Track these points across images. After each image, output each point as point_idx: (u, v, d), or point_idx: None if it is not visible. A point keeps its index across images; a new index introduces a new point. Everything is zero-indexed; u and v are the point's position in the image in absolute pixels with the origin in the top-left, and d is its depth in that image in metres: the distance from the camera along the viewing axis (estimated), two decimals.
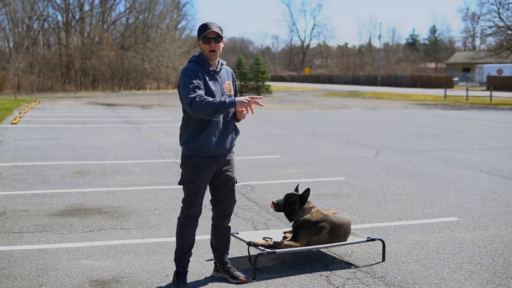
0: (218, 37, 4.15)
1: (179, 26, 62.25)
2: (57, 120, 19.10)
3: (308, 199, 4.89)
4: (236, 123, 4.40)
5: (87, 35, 50.97)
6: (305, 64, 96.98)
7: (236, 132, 4.37)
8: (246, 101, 4.02)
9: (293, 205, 4.78)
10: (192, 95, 4.00)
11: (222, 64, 4.32)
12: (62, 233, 5.69)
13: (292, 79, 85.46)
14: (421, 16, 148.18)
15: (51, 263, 4.80)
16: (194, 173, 4.20)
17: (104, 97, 37.97)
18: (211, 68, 4.22)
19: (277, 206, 4.81)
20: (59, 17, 56.03)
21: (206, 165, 4.22)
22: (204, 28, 4.14)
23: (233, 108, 4.12)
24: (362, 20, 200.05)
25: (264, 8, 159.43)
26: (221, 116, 4.19)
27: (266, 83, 44.44)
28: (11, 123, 17.52)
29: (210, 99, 4.00)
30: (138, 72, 50.07)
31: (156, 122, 18.59)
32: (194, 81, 4.06)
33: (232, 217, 6.23)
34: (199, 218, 4.37)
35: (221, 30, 4.21)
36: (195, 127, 4.17)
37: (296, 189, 4.93)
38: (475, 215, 6.55)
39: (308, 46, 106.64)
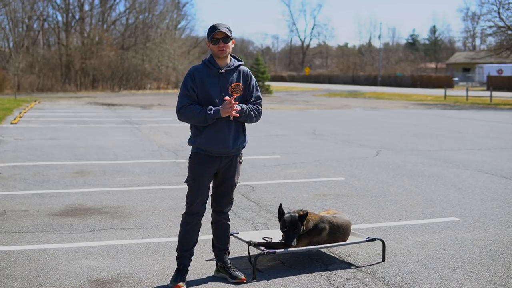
0: (226, 37, 4.18)
1: (179, 26, 62.24)
2: (57, 120, 19.09)
3: (302, 208, 4.90)
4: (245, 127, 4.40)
5: (87, 35, 50.96)
6: (305, 64, 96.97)
7: (240, 134, 4.34)
8: (229, 109, 4.12)
9: (299, 228, 4.68)
10: (181, 103, 4.20)
11: (233, 65, 4.30)
12: (62, 233, 5.69)
13: (292, 79, 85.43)
14: (421, 16, 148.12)
15: (51, 263, 4.80)
16: (195, 171, 4.30)
17: (104, 97, 37.97)
18: (217, 70, 4.23)
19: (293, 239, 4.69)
20: (59, 17, 56.02)
21: (206, 164, 4.27)
22: (212, 29, 4.19)
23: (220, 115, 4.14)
24: (362, 20, 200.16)
25: (264, 8, 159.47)
26: (220, 118, 4.19)
27: (266, 83, 44.45)
28: (11, 123, 17.51)
29: (197, 109, 4.14)
30: (138, 72, 50.04)
31: (156, 122, 18.59)
32: (188, 89, 4.21)
33: (232, 217, 6.24)
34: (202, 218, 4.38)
35: (230, 30, 4.23)
36: (197, 127, 4.28)
37: (280, 208, 4.75)
38: (475, 215, 6.55)
39: (308, 46, 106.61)
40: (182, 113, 4.20)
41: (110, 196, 7.42)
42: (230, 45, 4.24)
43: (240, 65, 4.36)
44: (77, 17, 51.60)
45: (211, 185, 4.42)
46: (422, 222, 6.22)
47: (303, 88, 60.16)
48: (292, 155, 11.30)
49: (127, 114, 22.41)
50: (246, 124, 4.42)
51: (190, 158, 4.37)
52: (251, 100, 4.36)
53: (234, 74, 4.31)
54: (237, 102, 4.23)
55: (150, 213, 6.52)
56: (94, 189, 7.81)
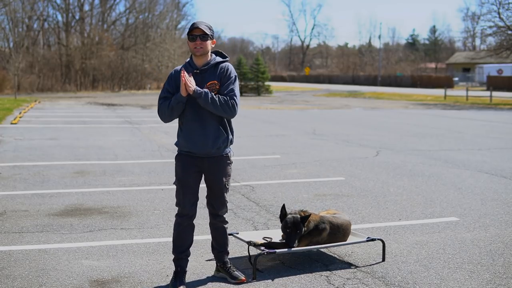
0: (204, 35, 4.10)
1: (179, 26, 62.22)
2: (57, 120, 19.10)
3: (302, 209, 4.90)
4: (230, 129, 4.27)
5: (87, 35, 50.97)
6: (305, 64, 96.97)
7: (221, 133, 4.19)
8: (185, 88, 4.08)
9: (301, 229, 4.68)
10: (158, 104, 4.26)
11: (210, 63, 4.19)
12: (62, 233, 5.69)
13: (292, 79, 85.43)
14: (421, 16, 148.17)
15: (51, 263, 4.79)
16: (179, 172, 4.30)
17: (104, 97, 37.98)
18: (192, 70, 4.18)
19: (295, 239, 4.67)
20: (59, 17, 56.01)
21: (188, 165, 4.25)
22: (191, 26, 4.15)
23: (184, 100, 4.10)
24: (362, 20, 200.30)
25: (264, 8, 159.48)
26: (197, 116, 4.15)
27: (266, 83, 44.44)
28: (11, 123, 17.52)
29: (166, 102, 4.20)
30: (138, 72, 50.04)
31: (156, 122, 18.56)
32: (165, 91, 4.24)
33: (232, 217, 6.26)
34: (200, 218, 4.37)
35: (210, 29, 4.16)
36: (179, 128, 4.31)
37: (283, 209, 4.73)
38: (475, 215, 6.55)
39: (308, 46, 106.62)
40: (158, 113, 4.26)
41: (110, 196, 7.42)
42: (209, 43, 4.15)
43: (221, 62, 4.23)
44: (77, 17, 51.62)
45: (201, 186, 4.36)
46: (422, 222, 6.22)
47: (303, 88, 60.16)
48: (292, 155, 11.30)
49: (127, 114, 22.41)
50: (233, 123, 4.32)
51: (175, 159, 4.37)
52: (224, 92, 4.16)
53: (212, 72, 4.20)
54: (189, 80, 4.07)
55: (150, 213, 6.52)
56: (94, 189, 7.81)
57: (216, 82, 4.19)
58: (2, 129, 15.81)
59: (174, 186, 4.37)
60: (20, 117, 19.70)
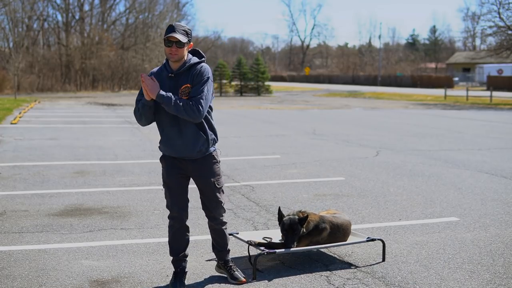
0: (179, 42, 3.99)
1: None
2: (57, 120, 19.09)
3: (301, 209, 4.90)
4: (209, 128, 4.17)
5: (87, 35, 50.98)
6: (305, 64, 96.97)
7: (199, 136, 4.09)
8: (146, 91, 4.04)
9: (299, 230, 4.67)
10: (135, 108, 4.23)
11: (185, 66, 4.08)
12: (62, 233, 5.68)
13: (292, 79, 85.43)
14: (421, 16, 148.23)
15: (51, 263, 4.79)
16: (164, 175, 4.29)
17: (104, 97, 37.97)
18: (167, 73, 4.11)
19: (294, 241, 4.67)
20: (59, 17, 56.16)
21: (171, 167, 4.22)
22: (168, 30, 4.02)
23: (150, 104, 4.06)
24: (362, 20, 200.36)
25: (264, 8, 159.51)
26: (174, 121, 4.08)
27: (266, 83, 44.44)
28: (11, 123, 17.51)
29: (137, 107, 4.17)
30: (138, 72, 49.91)
31: None
32: (140, 93, 4.19)
33: (232, 217, 6.26)
34: (200, 218, 4.37)
35: (187, 34, 4.05)
36: (159, 131, 4.27)
37: (279, 212, 4.76)
38: (475, 215, 6.54)
39: (308, 46, 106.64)
40: (135, 117, 4.21)
41: (110, 196, 7.42)
42: (185, 49, 4.04)
43: (196, 63, 4.11)
44: (77, 17, 51.64)
45: (194, 188, 4.34)
46: (422, 222, 6.22)
47: (303, 88, 60.16)
48: (292, 155, 11.30)
49: (127, 114, 22.41)
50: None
51: (160, 160, 4.35)
52: (192, 95, 4.03)
53: (185, 76, 4.10)
54: (150, 83, 4.01)
55: (150, 213, 6.52)
56: (94, 189, 7.80)
57: (188, 85, 4.08)
58: (2, 129, 15.81)
59: None
60: (20, 117, 19.70)
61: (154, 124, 4.34)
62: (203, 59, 4.19)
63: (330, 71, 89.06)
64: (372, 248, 5.24)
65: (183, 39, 4.00)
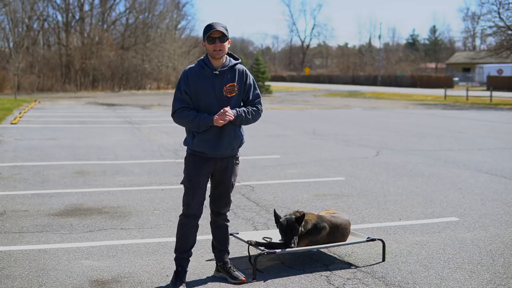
0: (223, 37, 4.10)
1: (179, 26, 62.22)
2: (57, 120, 19.09)
3: (298, 210, 4.91)
4: (243, 127, 4.35)
5: (87, 35, 50.95)
6: (305, 64, 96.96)
7: (236, 136, 4.24)
8: (222, 121, 4.06)
9: (297, 229, 4.68)
10: (175, 107, 4.19)
11: (228, 65, 4.20)
12: (62, 233, 5.69)
13: (292, 79, 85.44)
14: (421, 16, 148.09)
15: (51, 263, 4.79)
16: (190, 173, 4.27)
17: (104, 97, 37.97)
18: (211, 71, 4.16)
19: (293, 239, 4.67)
20: (59, 17, 56.08)
21: (201, 166, 4.23)
22: (208, 28, 4.11)
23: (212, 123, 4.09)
24: (362, 20, 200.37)
25: (264, 8, 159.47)
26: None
27: (266, 83, 44.45)
28: (11, 123, 17.51)
29: (191, 115, 4.11)
30: (138, 72, 50.05)
31: (156, 122, 18.57)
32: (181, 92, 4.16)
33: (232, 217, 6.25)
34: (200, 218, 4.37)
35: (226, 30, 4.15)
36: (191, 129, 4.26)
37: (275, 214, 4.76)
38: (475, 215, 6.54)
39: (308, 46, 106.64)
40: (176, 118, 4.21)
41: (110, 196, 7.42)
42: (227, 45, 4.15)
43: (236, 64, 4.25)
44: (77, 17, 51.61)
45: (208, 186, 4.38)
46: (422, 222, 6.22)
47: (303, 88, 60.15)
48: (292, 155, 11.30)
49: (127, 114, 22.41)
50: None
51: (185, 159, 4.33)
52: (250, 99, 4.29)
53: (230, 74, 4.20)
54: (229, 111, 4.09)
55: (150, 213, 6.52)
56: (94, 189, 7.80)
57: (235, 84, 4.21)
58: (2, 129, 15.81)
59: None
60: (20, 117, 19.70)
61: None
62: (239, 60, 4.32)
63: (330, 71, 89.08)
64: (372, 248, 5.24)
65: (226, 32, 4.12)
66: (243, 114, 4.20)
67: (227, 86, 4.18)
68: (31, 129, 16.13)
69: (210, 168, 4.26)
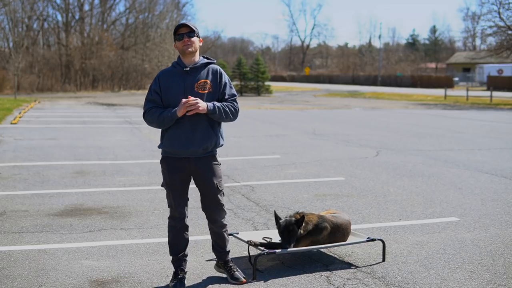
0: (190, 32, 4.11)
1: None
2: (57, 120, 19.09)
3: (299, 211, 4.90)
4: (220, 124, 4.24)
5: (87, 35, 50.95)
6: (305, 64, 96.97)
7: (211, 134, 4.15)
8: (183, 106, 4.00)
9: (295, 231, 4.67)
10: (145, 108, 4.20)
11: (199, 63, 4.17)
12: (62, 233, 5.68)
13: (292, 79, 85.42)
14: (421, 16, 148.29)
15: (51, 263, 4.79)
16: (166, 175, 4.27)
17: (104, 97, 37.97)
18: (181, 68, 4.15)
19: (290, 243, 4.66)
20: (59, 17, 56.12)
21: (174, 167, 4.20)
22: (176, 27, 4.16)
23: (177, 115, 4.04)
24: (362, 20, 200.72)
25: (264, 8, 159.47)
26: (188, 116, 4.08)
27: (266, 83, 44.44)
28: (11, 123, 17.51)
29: (157, 113, 4.10)
30: (138, 72, 50.02)
31: None
32: (152, 93, 4.17)
33: (232, 217, 6.25)
34: (200, 218, 4.37)
35: (195, 27, 4.15)
36: (162, 129, 4.24)
37: (275, 215, 4.77)
38: (475, 215, 6.54)
39: (308, 46, 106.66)
40: (146, 118, 4.19)
41: (110, 196, 7.42)
42: (196, 41, 4.13)
43: (210, 63, 4.23)
44: (77, 17, 51.61)
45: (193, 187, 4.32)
46: (422, 222, 6.22)
47: (303, 88, 60.15)
48: (292, 155, 11.30)
49: (127, 114, 22.42)
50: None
51: (160, 162, 4.33)
52: (226, 97, 4.21)
53: (202, 72, 4.18)
54: (197, 99, 4.03)
55: (150, 213, 6.52)
56: (94, 189, 7.80)
57: (208, 81, 4.16)
58: (2, 129, 15.81)
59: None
60: (20, 117, 19.70)
61: None
62: (214, 60, 4.30)
63: (330, 71, 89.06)
64: (372, 248, 5.24)
65: (194, 29, 4.13)
66: (219, 107, 4.11)
67: (199, 82, 4.14)
68: (31, 129, 16.13)
69: (185, 170, 4.19)
